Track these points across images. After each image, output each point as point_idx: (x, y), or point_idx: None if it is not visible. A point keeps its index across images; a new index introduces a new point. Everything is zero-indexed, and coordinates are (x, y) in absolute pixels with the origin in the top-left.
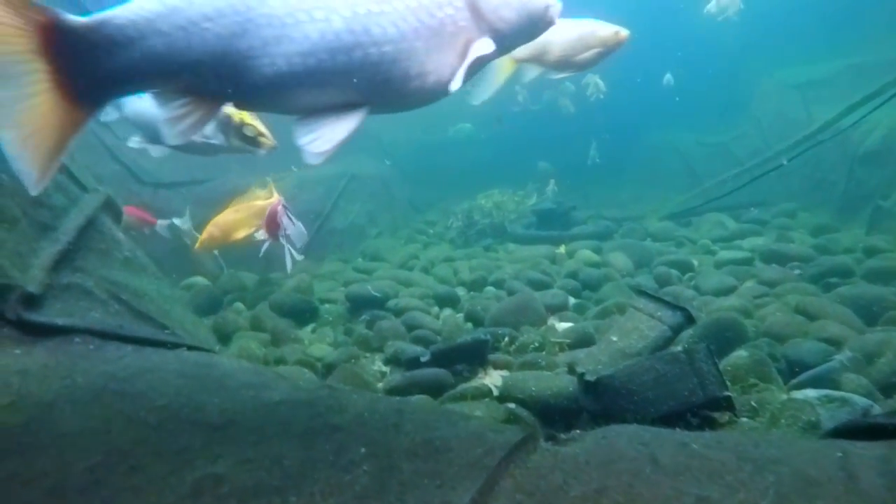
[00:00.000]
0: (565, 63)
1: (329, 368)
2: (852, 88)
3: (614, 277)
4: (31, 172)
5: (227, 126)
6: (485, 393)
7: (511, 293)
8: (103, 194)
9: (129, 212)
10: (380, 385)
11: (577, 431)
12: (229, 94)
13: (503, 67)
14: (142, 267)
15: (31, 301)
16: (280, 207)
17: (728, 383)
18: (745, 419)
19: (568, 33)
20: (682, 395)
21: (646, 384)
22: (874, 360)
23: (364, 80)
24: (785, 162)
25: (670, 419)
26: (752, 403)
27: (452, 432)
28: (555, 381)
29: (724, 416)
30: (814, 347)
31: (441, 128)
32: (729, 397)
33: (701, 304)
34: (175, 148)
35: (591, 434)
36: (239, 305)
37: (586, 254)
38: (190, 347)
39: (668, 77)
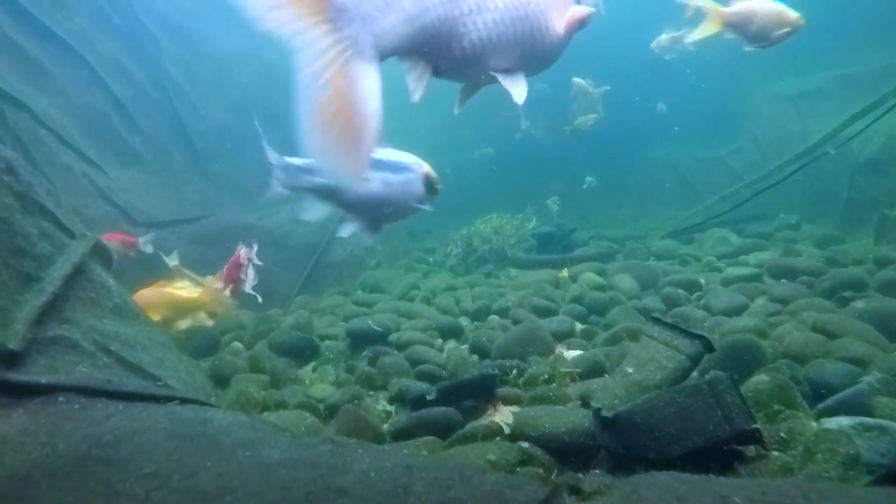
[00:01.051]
0: (760, 35)
1: (332, 410)
2: (844, 99)
3: (621, 301)
4: (330, 143)
5: (432, 184)
6: (495, 431)
7: (516, 322)
8: (91, 239)
9: (109, 238)
10: (385, 426)
11: (597, 472)
12: (440, 62)
13: (710, 25)
14: (133, 314)
15: (13, 359)
16: (243, 254)
17: (754, 414)
18: (775, 453)
19: (770, 8)
20: (707, 430)
21: (667, 419)
22: None
23: (526, 47)
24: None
25: (696, 456)
26: (782, 434)
27: (467, 491)
28: (569, 417)
29: (752, 450)
30: (838, 369)
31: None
32: (757, 430)
33: (713, 325)
34: (368, 219)
35: (619, 486)
36: (237, 345)
37: (590, 277)
38: (183, 400)
39: (660, 105)
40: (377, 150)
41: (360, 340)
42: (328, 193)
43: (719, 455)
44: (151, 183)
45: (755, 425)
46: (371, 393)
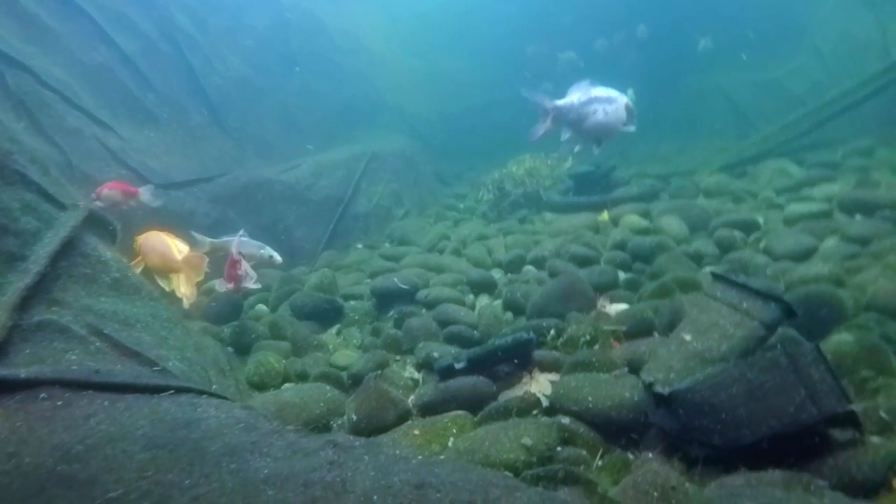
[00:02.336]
0: None
1: (356, 380)
2: None
3: (669, 246)
4: None
5: (630, 110)
6: (532, 404)
7: (553, 274)
8: (84, 210)
9: (109, 187)
10: (412, 398)
11: (650, 455)
12: None
13: None
14: (134, 288)
15: None
16: (235, 252)
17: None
18: (875, 439)
19: None
20: (786, 412)
21: (736, 398)
22: None
23: None
24: None
25: (772, 442)
26: (882, 414)
27: None
28: (615, 389)
29: (845, 435)
30: None
31: (460, 96)
32: (853, 413)
33: (777, 272)
34: (588, 138)
35: None
36: (261, 308)
37: (633, 219)
38: (178, 390)
39: (703, 42)
40: (595, 89)
41: (386, 299)
42: (575, 124)
43: (801, 441)
44: (168, 142)
45: (850, 406)
46: (398, 358)
